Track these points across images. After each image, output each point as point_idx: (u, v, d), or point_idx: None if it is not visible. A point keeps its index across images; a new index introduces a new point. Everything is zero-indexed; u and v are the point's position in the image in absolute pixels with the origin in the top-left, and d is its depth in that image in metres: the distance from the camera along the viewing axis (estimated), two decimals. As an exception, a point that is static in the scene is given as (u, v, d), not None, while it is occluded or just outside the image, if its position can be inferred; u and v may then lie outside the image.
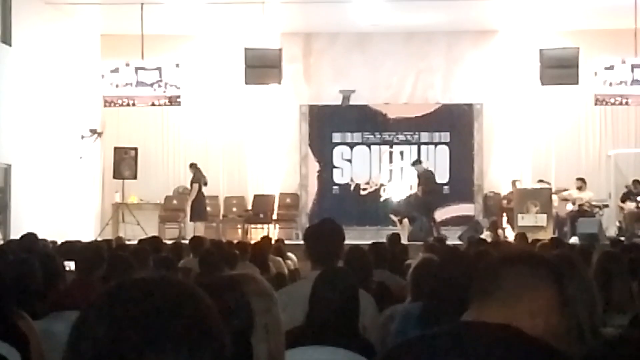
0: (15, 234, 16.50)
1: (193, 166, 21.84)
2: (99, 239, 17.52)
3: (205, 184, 21.78)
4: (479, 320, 2.19)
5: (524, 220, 19.92)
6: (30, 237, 10.02)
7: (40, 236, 11.75)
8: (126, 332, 1.43)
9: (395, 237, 12.30)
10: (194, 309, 1.49)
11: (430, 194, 20.94)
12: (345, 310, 4.36)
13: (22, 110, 18.96)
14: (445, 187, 23.05)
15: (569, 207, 21.14)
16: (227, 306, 4.01)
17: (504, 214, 21.65)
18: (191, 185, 21.79)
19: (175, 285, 1.52)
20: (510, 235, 20.14)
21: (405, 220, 20.87)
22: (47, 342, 5.01)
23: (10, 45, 18.89)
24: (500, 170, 23.07)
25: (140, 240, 11.84)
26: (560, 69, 19.90)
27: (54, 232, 20.02)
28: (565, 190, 21.44)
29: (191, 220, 21.83)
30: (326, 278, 4.45)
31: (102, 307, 1.48)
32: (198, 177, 21.72)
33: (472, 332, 2.14)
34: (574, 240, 18.27)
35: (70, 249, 9.69)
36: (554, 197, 20.85)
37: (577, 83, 20.07)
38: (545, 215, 19.96)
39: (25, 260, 5.96)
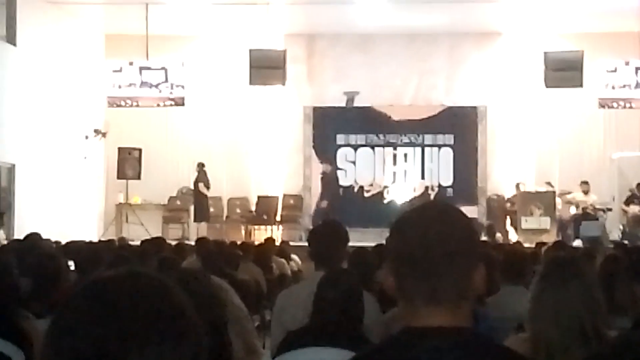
0: (19, 233, 16.53)
1: (200, 166, 21.83)
2: (103, 239, 17.52)
3: (208, 188, 21.77)
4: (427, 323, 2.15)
5: (527, 223, 19.92)
6: (33, 237, 10.02)
7: (43, 236, 11.77)
8: (108, 327, 1.43)
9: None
10: (172, 303, 1.50)
11: None
12: (349, 311, 4.36)
13: (26, 110, 18.98)
14: (449, 189, 23.07)
15: (573, 210, 21.11)
16: (199, 301, 4.02)
17: (508, 217, 21.63)
18: (195, 185, 21.80)
19: (151, 279, 1.52)
20: (513, 238, 20.13)
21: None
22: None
23: (14, 45, 18.92)
24: (504, 172, 23.04)
25: (144, 241, 11.83)
26: (564, 71, 19.90)
27: (57, 232, 20.06)
28: (569, 193, 21.41)
29: (195, 221, 21.85)
30: (330, 279, 4.45)
31: (81, 304, 1.48)
32: (201, 177, 21.72)
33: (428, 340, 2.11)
34: (577, 243, 18.25)
35: (74, 249, 9.69)
36: (558, 200, 20.84)
37: (581, 86, 20.06)
38: (548, 218, 19.96)
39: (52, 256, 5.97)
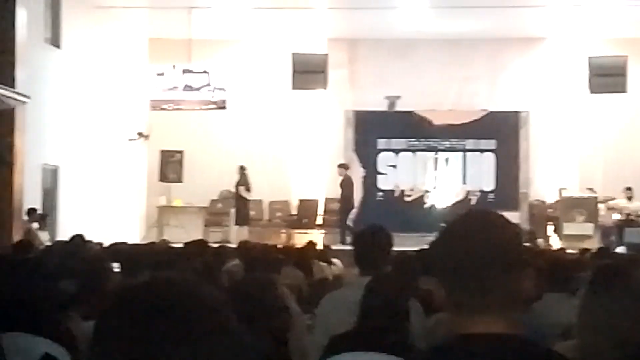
0: (62, 235, 16.67)
1: (241, 169, 21.87)
2: (144, 241, 17.63)
3: (249, 190, 21.81)
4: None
5: (569, 229, 19.77)
6: (78, 239, 10.10)
7: (86, 238, 11.85)
8: (150, 329, 1.47)
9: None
10: (209, 305, 1.53)
11: (345, 200, 21.16)
12: (395, 317, 4.35)
13: (69, 113, 19.13)
14: (491, 194, 22.97)
15: (616, 216, 20.91)
16: (264, 308, 4.03)
17: (550, 223, 21.47)
18: (236, 188, 21.84)
19: (190, 283, 1.57)
20: (555, 244, 19.97)
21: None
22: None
23: (59, 48, 19.08)
24: (546, 178, 22.90)
25: (187, 244, 11.87)
26: (608, 77, 19.75)
27: (99, 233, 20.21)
28: (612, 199, 21.20)
29: (236, 224, 21.91)
30: (377, 285, 4.44)
31: (125, 307, 1.52)
32: (243, 180, 21.77)
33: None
34: (621, 249, 18.07)
35: (117, 251, 9.74)
36: (600, 206, 20.66)
37: (625, 91, 19.89)
38: (591, 225, 19.81)
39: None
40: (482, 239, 2.15)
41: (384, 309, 4.32)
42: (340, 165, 21.51)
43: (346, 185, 21.21)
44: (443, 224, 2.28)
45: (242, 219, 21.76)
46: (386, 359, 4.19)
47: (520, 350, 2.10)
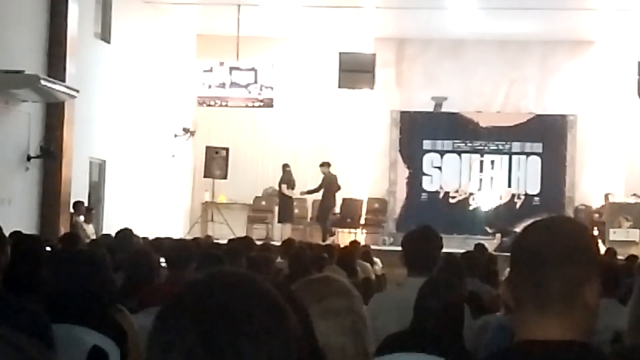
0: (108, 229, 16.81)
1: (284, 167, 21.91)
2: (188, 237, 17.72)
3: (293, 187, 21.82)
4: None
5: (615, 234, 19.58)
6: (125, 233, 10.17)
7: (132, 231, 11.92)
8: (210, 324, 1.47)
9: (480, 247, 12.24)
10: (270, 302, 1.53)
11: (326, 198, 21.12)
12: (449, 320, 4.33)
13: (117, 107, 19.29)
14: (536, 198, 22.81)
15: (662, 223, 20.68)
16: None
17: (595, 228, 21.27)
18: (279, 185, 21.88)
19: (252, 278, 1.56)
20: (601, 249, 19.77)
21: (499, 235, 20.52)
22: (143, 337, 5.08)
23: (109, 43, 19.24)
24: (593, 183, 22.71)
25: (232, 240, 11.91)
26: (657, 81, 19.55)
27: (144, 227, 20.35)
28: (659, 205, 20.98)
29: (279, 221, 21.95)
30: (433, 287, 4.43)
31: (187, 301, 1.51)
32: (287, 178, 21.80)
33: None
34: (666, 257, 17.85)
35: (162, 245, 9.80)
36: (648, 212, 20.43)
37: (674, 96, 19.67)
38: (638, 231, 19.59)
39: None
40: (551, 236, 2.17)
41: (437, 311, 4.30)
42: (322, 164, 21.40)
43: (328, 184, 21.13)
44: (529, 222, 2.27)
45: (286, 217, 21.79)
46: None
47: (576, 358, 2.08)
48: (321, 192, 21.33)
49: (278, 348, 1.49)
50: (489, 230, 21.56)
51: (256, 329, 1.47)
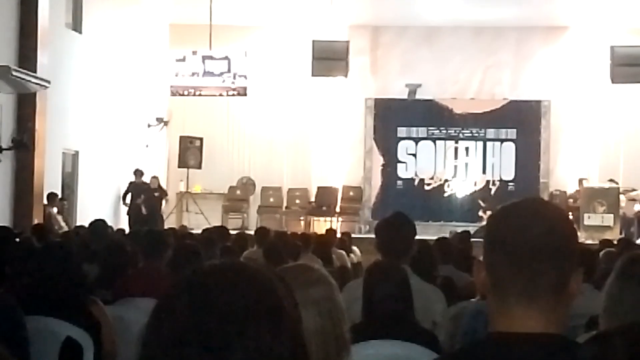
0: (81, 219, 16.74)
1: None
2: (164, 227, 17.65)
3: None
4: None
5: (590, 219, 19.68)
6: (99, 224, 10.10)
7: (106, 222, 11.86)
8: (209, 317, 1.45)
9: (465, 235, 12.06)
10: (272, 295, 1.51)
11: None
12: (399, 301, 4.33)
13: (90, 98, 19.16)
14: (511, 184, 22.88)
15: (637, 207, 20.80)
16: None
17: (570, 213, 21.37)
18: None
19: (251, 270, 1.54)
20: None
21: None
22: (117, 327, 5.05)
23: (80, 33, 19.11)
24: (567, 168, 22.80)
25: (206, 230, 11.87)
26: (631, 66, 19.61)
27: (117, 219, 20.28)
28: (633, 190, 21.10)
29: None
30: (378, 270, 4.44)
31: (183, 294, 1.49)
32: None
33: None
34: (641, 241, 17.99)
35: (137, 235, 9.74)
36: (622, 197, 20.54)
37: (647, 82, 19.75)
38: (612, 216, 19.69)
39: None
40: (541, 220, 2.03)
41: (387, 294, 4.30)
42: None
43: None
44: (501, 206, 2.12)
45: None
46: (398, 345, 4.18)
47: (559, 353, 1.99)
48: None
49: (277, 344, 1.46)
50: (482, 205, 21.67)
51: (254, 324, 1.45)
